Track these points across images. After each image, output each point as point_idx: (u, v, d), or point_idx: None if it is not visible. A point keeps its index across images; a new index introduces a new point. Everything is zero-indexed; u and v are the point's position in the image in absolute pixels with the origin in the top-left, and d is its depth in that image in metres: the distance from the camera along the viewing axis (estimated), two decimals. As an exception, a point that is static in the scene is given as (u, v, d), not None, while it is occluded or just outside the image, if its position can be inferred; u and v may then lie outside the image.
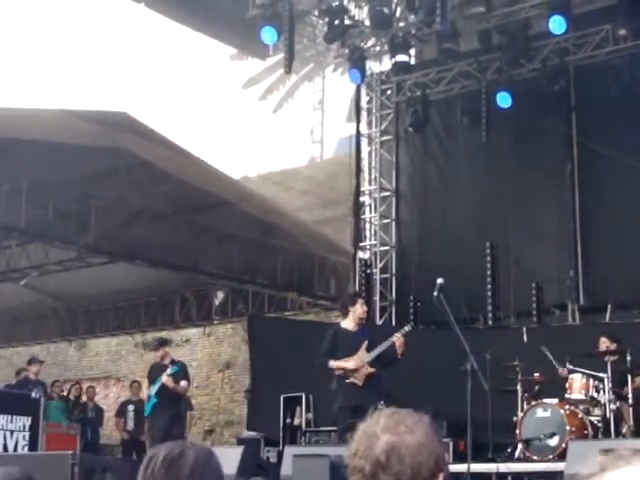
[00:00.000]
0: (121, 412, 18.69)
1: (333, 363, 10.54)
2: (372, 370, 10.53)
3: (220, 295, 23.63)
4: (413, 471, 2.16)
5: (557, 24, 14.28)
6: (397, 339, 10.51)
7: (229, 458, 10.55)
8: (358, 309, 10.80)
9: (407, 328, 10.79)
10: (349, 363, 10.51)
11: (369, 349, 10.59)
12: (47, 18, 72.92)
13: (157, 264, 19.55)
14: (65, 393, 18.71)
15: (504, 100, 16.01)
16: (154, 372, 13.33)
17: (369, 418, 2.27)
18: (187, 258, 19.62)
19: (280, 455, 12.49)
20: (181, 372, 13.18)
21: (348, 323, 10.80)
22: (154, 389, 13.01)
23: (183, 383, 13.15)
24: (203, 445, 2.87)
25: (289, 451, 11.01)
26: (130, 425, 18.22)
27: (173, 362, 13.25)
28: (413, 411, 2.31)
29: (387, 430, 2.21)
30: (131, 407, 18.41)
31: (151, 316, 23.78)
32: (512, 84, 16.14)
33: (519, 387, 11.75)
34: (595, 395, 11.19)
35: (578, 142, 16.06)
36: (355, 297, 11.46)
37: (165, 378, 12.80)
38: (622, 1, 14.49)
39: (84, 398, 19.07)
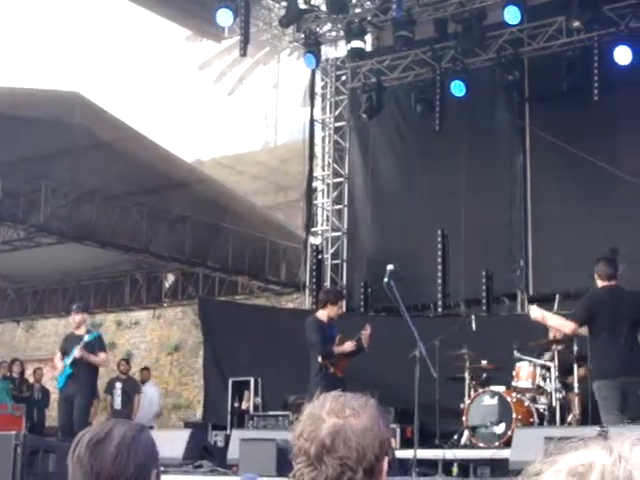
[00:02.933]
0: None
1: (337, 349, 10.67)
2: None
3: (170, 278, 23.54)
4: (358, 454, 2.16)
5: (512, 14, 14.37)
6: (365, 332, 10.75)
7: (175, 441, 10.53)
8: (336, 310, 10.88)
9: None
10: (346, 347, 10.70)
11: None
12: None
13: (107, 245, 19.40)
14: (8, 373, 18.50)
15: (458, 89, 16.04)
16: (68, 342, 12.41)
17: (315, 401, 2.27)
18: (138, 240, 19.49)
19: (227, 439, 12.45)
20: (98, 342, 12.35)
21: (323, 316, 10.85)
22: (68, 360, 12.10)
23: (102, 355, 12.35)
24: (133, 422, 2.80)
25: (236, 435, 10.99)
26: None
27: (88, 332, 12.38)
28: (360, 395, 2.31)
29: (333, 413, 2.20)
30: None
31: (100, 298, 23.63)
32: (467, 73, 16.18)
33: (467, 374, 11.84)
34: (542, 384, 11.30)
35: (531, 133, 16.16)
36: (340, 298, 11.40)
37: (78, 353, 11.97)
38: (576, -7, 14.56)
39: (31, 379, 18.92)
